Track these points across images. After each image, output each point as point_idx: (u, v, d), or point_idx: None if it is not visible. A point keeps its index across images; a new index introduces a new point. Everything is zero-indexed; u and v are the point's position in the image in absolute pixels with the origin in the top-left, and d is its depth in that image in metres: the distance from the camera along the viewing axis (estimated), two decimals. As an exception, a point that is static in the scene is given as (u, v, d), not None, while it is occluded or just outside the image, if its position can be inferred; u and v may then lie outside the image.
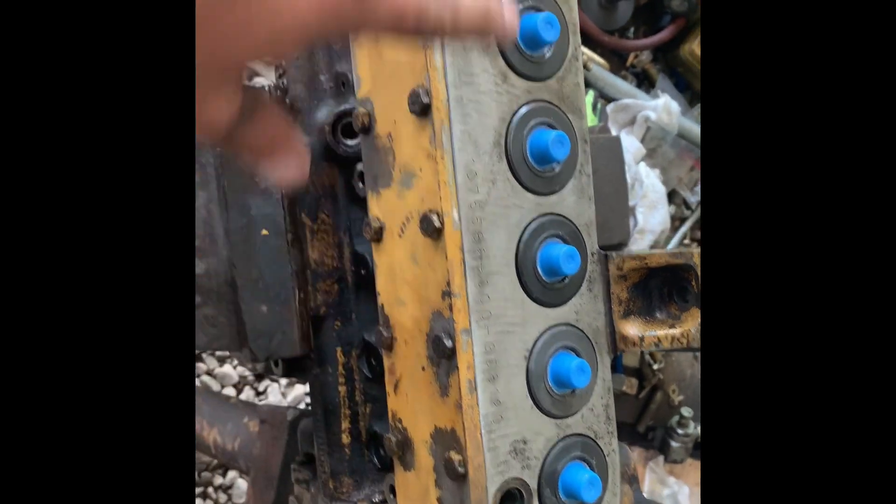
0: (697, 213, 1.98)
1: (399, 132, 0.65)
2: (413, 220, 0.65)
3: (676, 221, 1.94)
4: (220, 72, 0.39)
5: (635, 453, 1.90)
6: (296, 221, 0.82)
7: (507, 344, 0.64)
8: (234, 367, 2.52)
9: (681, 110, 1.77)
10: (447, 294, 0.62)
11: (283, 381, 2.51)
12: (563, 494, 0.65)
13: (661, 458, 1.91)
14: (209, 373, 2.47)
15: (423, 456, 0.67)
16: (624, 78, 1.84)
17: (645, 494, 1.87)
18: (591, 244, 0.69)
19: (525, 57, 0.64)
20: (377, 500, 0.83)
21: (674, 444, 1.89)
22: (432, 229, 0.62)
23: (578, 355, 0.67)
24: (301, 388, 2.49)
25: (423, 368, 0.66)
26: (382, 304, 0.71)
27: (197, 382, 2.40)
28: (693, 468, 1.93)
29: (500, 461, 0.63)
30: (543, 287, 0.66)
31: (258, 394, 2.50)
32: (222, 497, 2.42)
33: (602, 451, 0.69)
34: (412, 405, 0.68)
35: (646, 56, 1.86)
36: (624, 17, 1.74)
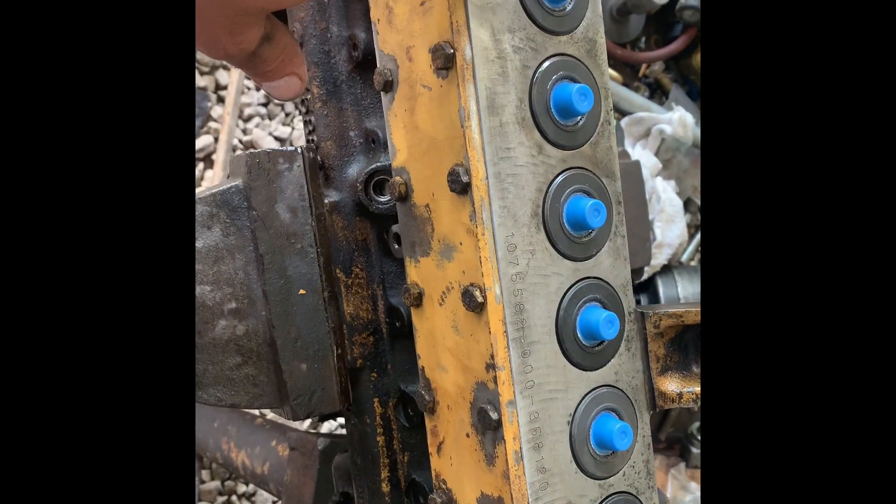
0: (712, 219, 1.98)
1: (437, 205, 0.66)
2: (454, 290, 0.66)
3: (692, 229, 1.94)
4: (254, 12, 0.54)
5: (657, 461, 1.92)
6: (331, 278, 0.83)
7: (551, 411, 0.65)
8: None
9: (694, 120, 1.77)
10: (491, 367, 0.63)
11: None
12: (608, 554, 0.67)
13: (682, 465, 1.93)
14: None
15: (470, 519, 0.69)
16: (636, 89, 1.84)
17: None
18: (629, 303, 0.70)
19: (559, 127, 0.65)
20: (419, 548, 0.85)
21: (694, 450, 1.91)
22: (475, 304, 0.63)
23: (619, 415, 0.68)
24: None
25: (468, 435, 0.67)
26: (423, 367, 0.72)
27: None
28: (715, 474, 1.94)
29: (547, 526, 0.64)
30: (583, 351, 0.67)
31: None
32: (246, 505, 2.45)
33: (644, 506, 0.70)
34: (456, 469, 0.70)
35: (658, 66, 1.86)
36: (636, 30, 1.74)
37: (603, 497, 0.68)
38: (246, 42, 0.57)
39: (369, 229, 0.86)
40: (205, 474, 2.44)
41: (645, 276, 1.63)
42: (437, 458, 0.73)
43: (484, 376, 0.64)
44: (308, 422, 2.45)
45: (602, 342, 0.68)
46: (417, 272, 0.71)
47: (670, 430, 1.93)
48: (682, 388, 0.72)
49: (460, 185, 0.62)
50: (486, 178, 0.62)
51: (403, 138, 0.69)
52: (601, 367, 0.68)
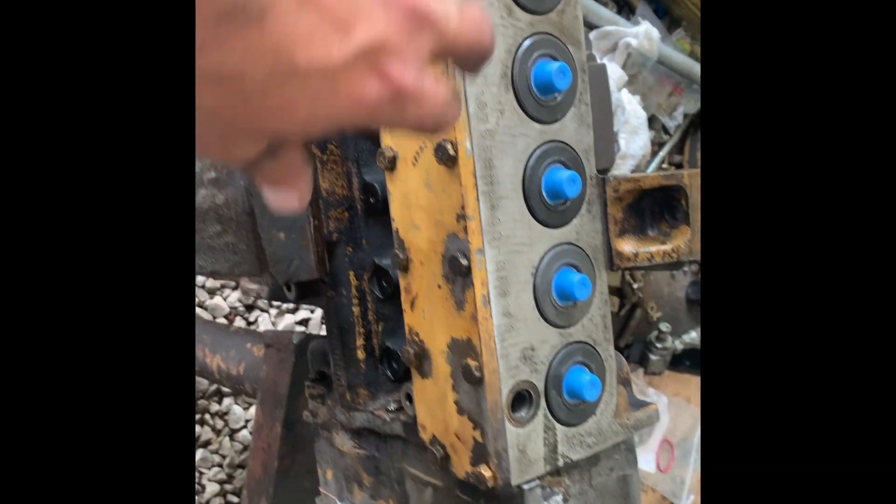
0: (675, 138, 2.04)
1: (412, 66, 0.69)
2: (427, 148, 0.70)
3: (655, 146, 1.99)
4: (255, 131, 0.43)
5: (616, 367, 2.01)
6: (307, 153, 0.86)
7: (517, 262, 0.70)
8: (225, 299, 2.56)
9: (660, 36, 1.80)
10: (462, 217, 0.68)
11: (273, 311, 2.57)
12: (567, 394, 0.73)
13: (640, 371, 2.03)
14: (200, 305, 2.51)
15: (441, 364, 0.74)
16: (604, 4, 1.86)
17: (625, 405, 1.99)
18: (590, 168, 0.75)
19: (529, -9, 0.68)
20: (392, 408, 0.91)
21: (653, 357, 2.00)
22: (447, 157, 0.67)
23: (579, 271, 0.73)
24: (290, 318, 2.55)
25: (440, 286, 0.72)
26: (397, 229, 0.77)
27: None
28: (671, 379, 2.05)
29: (512, 366, 0.70)
30: (547, 209, 0.71)
31: (249, 324, 2.56)
32: (219, 423, 2.51)
33: (601, 356, 0.76)
34: (429, 320, 0.75)
35: (627, -19, 1.88)
36: (606, -58, 1.75)
37: (563, 344, 0.74)
38: (238, 153, 0.46)
39: (344, 108, 0.89)
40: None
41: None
42: (410, 314, 0.78)
43: (455, 227, 0.69)
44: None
45: (565, 201, 0.72)
46: (392, 135, 0.74)
47: (629, 339, 2.02)
48: (637, 248, 0.78)
49: (434, 42, 0.65)
50: (459, 35, 0.65)
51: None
52: (563, 225, 0.73)
